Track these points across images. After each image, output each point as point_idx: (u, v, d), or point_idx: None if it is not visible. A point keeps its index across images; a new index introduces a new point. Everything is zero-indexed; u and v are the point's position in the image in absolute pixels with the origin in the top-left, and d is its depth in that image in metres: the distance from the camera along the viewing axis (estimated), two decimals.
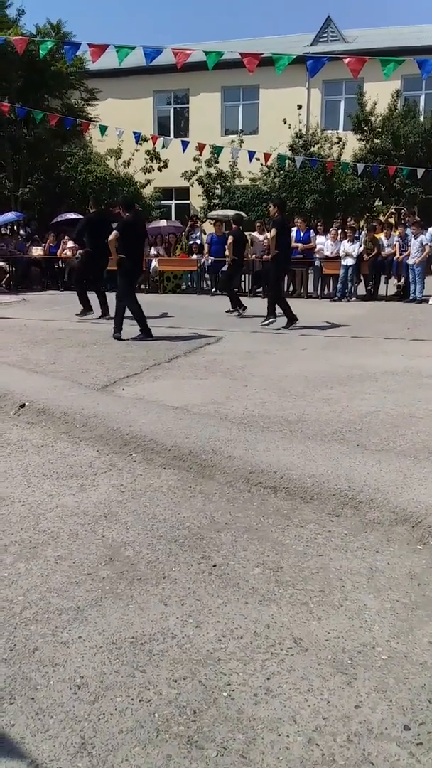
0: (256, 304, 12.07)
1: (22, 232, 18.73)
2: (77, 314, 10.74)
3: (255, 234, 16.27)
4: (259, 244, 15.68)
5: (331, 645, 2.27)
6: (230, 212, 19.13)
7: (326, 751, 1.80)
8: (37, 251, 17.16)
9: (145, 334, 8.48)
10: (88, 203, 11.89)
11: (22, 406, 5.12)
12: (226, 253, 11.96)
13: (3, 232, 18.15)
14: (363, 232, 15.07)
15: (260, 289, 15.17)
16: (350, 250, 14.33)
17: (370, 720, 1.92)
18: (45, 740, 1.84)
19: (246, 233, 17.23)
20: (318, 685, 2.07)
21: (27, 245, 17.52)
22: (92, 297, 10.79)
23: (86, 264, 10.92)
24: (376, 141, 20.68)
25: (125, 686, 2.06)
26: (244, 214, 18.50)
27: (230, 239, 11.49)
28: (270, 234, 9.91)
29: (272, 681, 2.09)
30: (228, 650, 2.24)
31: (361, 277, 15.01)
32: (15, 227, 18.90)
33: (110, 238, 8.32)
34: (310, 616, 2.44)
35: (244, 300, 11.86)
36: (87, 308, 10.79)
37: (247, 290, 15.86)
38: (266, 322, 9.87)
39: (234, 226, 11.85)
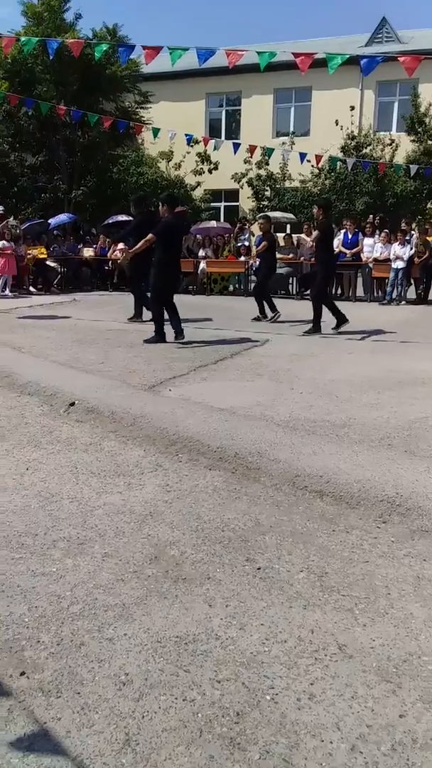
0: (304, 307, 11.99)
1: (80, 232, 19.03)
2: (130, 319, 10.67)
3: (302, 236, 16.19)
4: (306, 246, 15.60)
5: (376, 653, 2.25)
6: (279, 214, 19.09)
7: (370, 759, 1.79)
8: (88, 252, 17.42)
9: (159, 337, 8.28)
10: (131, 206, 11.48)
11: (72, 404, 5.21)
12: (256, 253, 11.49)
13: (56, 233, 18.47)
14: (415, 235, 14.85)
15: (308, 292, 15.03)
16: (401, 253, 14.14)
17: (414, 730, 1.89)
18: (90, 735, 1.87)
19: (294, 235, 17.24)
20: (362, 692, 2.05)
21: (79, 246, 17.81)
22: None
23: (139, 266, 10.63)
24: (430, 142, 20.34)
25: (169, 685, 2.08)
26: (290, 216, 18.43)
27: (263, 244, 10.96)
28: (315, 234, 9.58)
29: (316, 686, 2.08)
30: (272, 653, 2.24)
31: (411, 281, 14.79)
32: (67, 228, 19.23)
33: (148, 237, 8.18)
34: (355, 622, 2.42)
35: (291, 303, 11.75)
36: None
37: (294, 293, 15.78)
38: (309, 333, 9.40)
39: (266, 224, 11.22)
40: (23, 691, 2.05)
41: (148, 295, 9.86)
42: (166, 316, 8.37)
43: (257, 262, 15.79)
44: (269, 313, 10.93)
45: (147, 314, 10.47)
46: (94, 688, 2.06)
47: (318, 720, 1.93)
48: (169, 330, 8.40)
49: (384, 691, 2.06)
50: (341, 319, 9.52)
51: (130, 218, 18.41)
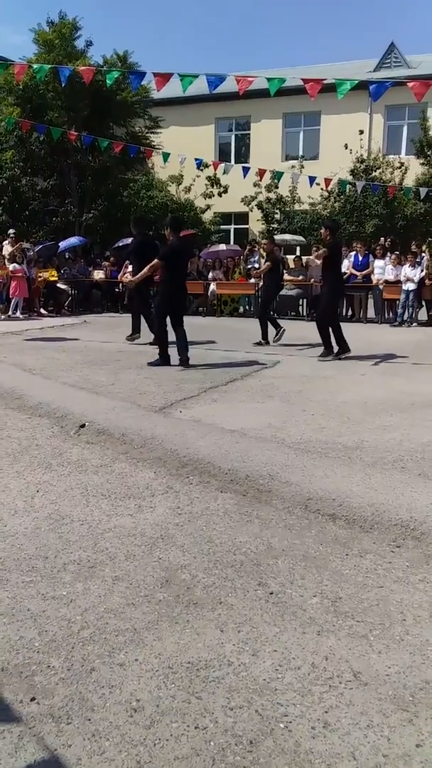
0: (313, 329, 11.96)
1: (91, 255, 19.20)
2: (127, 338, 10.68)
3: (312, 258, 16.25)
4: (316, 268, 15.65)
5: (392, 680, 2.21)
6: (288, 236, 19.19)
7: None
8: (98, 275, 17.55)
9: (163, 361, 8.22)
10: (131, 226, 11.34)
11: (83, 426, 5.21)
12: (286, 277, 11.45)
13: (67, 256, 18.64)
14: (425, 257, 14.87)
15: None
16: (411, 274, 14.15)
17: (431, 759, 1.85)
18: (101, 763, 1.83)
19: (303, 257, 17.32)
20: (378, 721, 2.01)
21: (89, 269, 17.95)
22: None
23: (143, 288, 10.63)
24: None
25: (181, 712, 2.04)
26: (300, 238, 18.53)
27: (266, 264, 10.85)
28: (320, 252, 9.37)
29: (330, 714, 2.04)
30: (285, 680, 2.20)
31: (423, 302, 14.78)
32: (78, 251, 19.39)
33: (153, 264, 8.19)
34: (370, 649, 2.38)
35: (301, 324, 11.74)
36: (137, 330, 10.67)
37: (304, 314, 15.81)
38: (323, 358, 9.20)
39: (270, 245, 11.22)
40: (33, 716, 2.02)
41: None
42: (172, 338, 8.33)
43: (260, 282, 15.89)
44: (272, 336, 10.74)
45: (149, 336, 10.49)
46: (105, 715, 2.03)
47: (333, 749, 1.89)
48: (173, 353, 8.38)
49: (400, 720, 2.01)
50: (344, 348, 9.21)
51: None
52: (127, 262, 17.38)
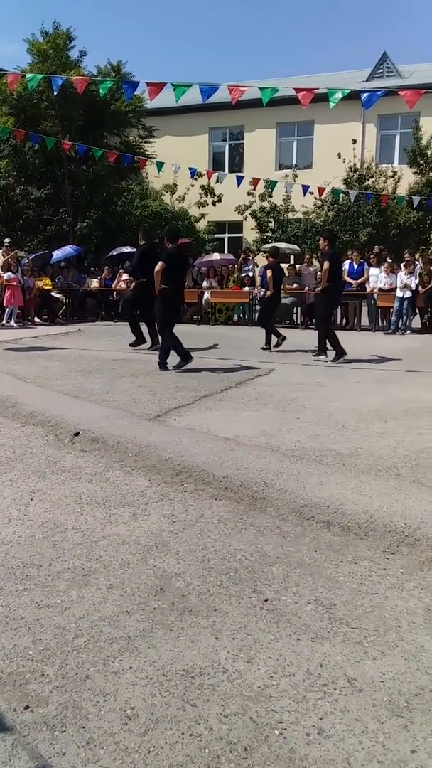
0: (308, 337, 12.05)
1: (85, 264, 19.27)
2: (130, 344, 10.87)
3: (304, 266, 16.34)
4: (309, 276, 15.72)
5: (387, 687, 2.20)
6: (283, 245, 19.26)
7: None
8: (93, 283, 17.57)
9: (185, 359, 8.59)
10: (139, 236, 11.95)
11: (77, 434, 5.20)
12: (266, 285, 11.74)
13: (62, 265, 18.66)
14: (419, 265, 14.95)
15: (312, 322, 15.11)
16: (408, 281, 14.20)
17: (426, 766, 1.85)
18: None
19: (297, 265, 17.39)
20: (373, 727, 2.01)
21: (84, 277, 17.97)
22: (143, 328, 10.90)
23: (138, 295, 10.94)
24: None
25: (176, 719, 2.04)
26: (295, 247, 18.63)
27: (269, 273, 11.16)
28: (324, 266, 9.79)
29: (325, 721, 2.03)
30: (280, 687, 2.20)
31: (416, 310, 14.84)
32: (72, 260, 19.42)
33: (156, 269, 8.44)
34: (365, 655, 2.38)
35: (296, 332, 11.80)
36: (140, 339, 10.89)
37: (299, 322, 15.86)
38: (317, 357, 9.84)
39: (270, 259, 11.54)
40: (27, 725, 2.01)
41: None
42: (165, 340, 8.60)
43: (261, 292, 15.98)
44: (274, 341, 11.04)
45: (150, 341, 10.67)
46: (100, 723, 2.02)
47: (328, 755, 1.89)
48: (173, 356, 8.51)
49: (395, 726, 2.01)
50: (340, 353, 9.67)
51: (135, 250, 18.67)
52: (121, 270, 17.52)
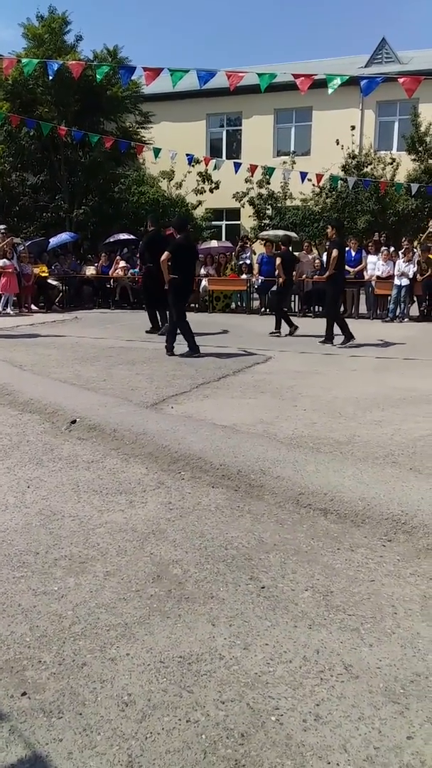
0: (306, 324, 12.04)
1: (81, 251, 19.20)
2: (146, 331, 10.95)
3: (302, 254, 16.28)
4: (308, 264, 15.66)
5: (383, 673, 2.21)
6: (280, 233, 19.18)
7: None
8: (89, 271, 17.49)
9: (193, 351, 8.71)
10: (146, 222, 12.18)
11: (74, 422, 5.19)
12: (276, 273, 11.92)
13: (58, 252, 18.57)
14: (417, 252, 14.91)
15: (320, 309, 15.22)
16: (406, 269, 14.16)
17: (423, 752, 1.86)
18: (92, 757, 1.83)
19: (295, 253, 17.33)
20: (369, 713, 2.01)
21: (78, 262, 17.88)
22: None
23: (148, 282, 11.00)
24: (430, 161, 20.49)
25: (173, 706, 2.04)
26: (294, 234, 18.56)
27: (278, 260, 11.46)
28: (333, 255, 10.11)
29: (322, 707, 2.04)
30: (276, 674, 2.20)
31: (414, 298, 14.81)
32: (69, 247, 19.33)
33: (162, 258, 8.54)
34: (361, 642, 2.39)
35: (294, 320, 11.80)
36: (155, 327, 11.02)
37: (296, 310, 15.83)
38: (323, 342, 10.17)
39: (282, 247, 11.84)
40: (24, 711, 2.01)
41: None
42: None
43: (259, 280, 15.97)
44: (284, 330, 11.31)
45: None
46: (97, 709, 2.03)
47: (324, 741, 1.89)
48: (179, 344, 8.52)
49: (391, 713, 2.02)
50: (348, 336, 10.00)
51: (132, 237, 18.61)
52: (118, 258, 17.44)
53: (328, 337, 10.17)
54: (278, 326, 11.34)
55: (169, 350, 8.71)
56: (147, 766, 1.80)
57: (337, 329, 10.02)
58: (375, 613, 2.58)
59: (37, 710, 2.02)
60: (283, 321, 11.40)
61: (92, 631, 2.45)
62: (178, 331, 8.81)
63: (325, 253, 15.06)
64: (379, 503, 3.52)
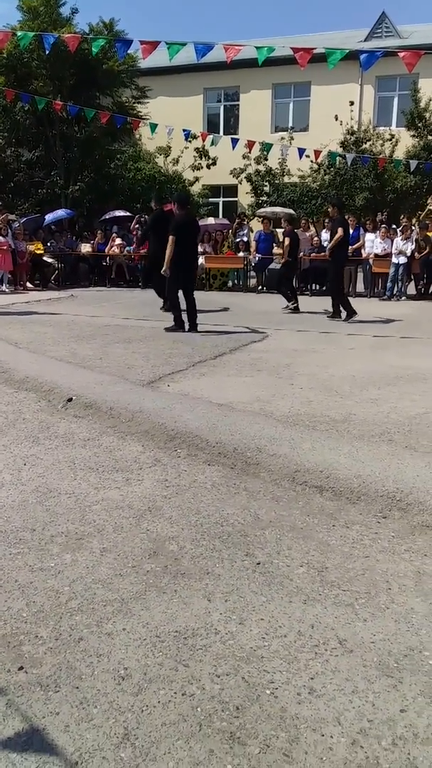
0: (304, 303, 12.01)
1: (77, 228, 19.07)
2: (161, 308, 10.92)
3: (300, 231, 16.20)
4: (305, 241, 15.58)
5: (377, 647, 2.23)
6: (278, 209, 19.05)
7: (370, 753, 1.78)
8: (85, 248, 17.37)
9: (178, 325, 8.85)
10: (151, 201, 12.24)
11: (70, 400, 5.19)
12: (275, 251, 11.94)
13: (53, 229, 18.43)
14: (415, 230, 14.83)
15: (322, 287, 15.25)
16: (404, 247, 14.10)
17: (415, 725, 1.88)
18: (89, 729, 1.85)
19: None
20: (363, 687, 2.04)
21: (74, 239, 17.75)
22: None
23: (156, 262, 10.88)
24: (430, 138, 20.31)
25: (168, 679, 2.06)
26: (292, 212, 18.43)
27: (287, 240, 11.45)
28: (339, 233, 10.26)
29: (316, 681, 2.06)
30: (271, 648, 2.22)
31: (412, 276, 14.77)
32: (64, 224, 19.19)
33: (169, 242, 8.59)
34: (356, 617, 2.41)
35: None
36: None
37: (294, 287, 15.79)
38: (332, 318, 10.50)
39: (289, 226, 11.78)
40: (21, 685, 2.03)
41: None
42: (183, 306, 8.94)
43: (257, 257, 15.90)
44: (286, 303, 11.62)
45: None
46: (93, 683, 2.05)
47: (318, 714, 1.92)
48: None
49: (385, 686, 2.04)
50: (350, 312, 10.31)
51: (128, 213, 18.47)
52: (114, 234, 17.33)
53: (336, 313, 10.42)
54: (290, 299, 11.56)
55: (194, 328, 8.90)
56: (143, 739, 1.82)
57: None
58: (369, 589, 2.60)
59: (34, 684, 2.04)
60: (289, 294, 11.69)
61: (89, 606, 2.47)
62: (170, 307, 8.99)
63: (324, 231, 15.04)
64: (374, 480, 3.53)
